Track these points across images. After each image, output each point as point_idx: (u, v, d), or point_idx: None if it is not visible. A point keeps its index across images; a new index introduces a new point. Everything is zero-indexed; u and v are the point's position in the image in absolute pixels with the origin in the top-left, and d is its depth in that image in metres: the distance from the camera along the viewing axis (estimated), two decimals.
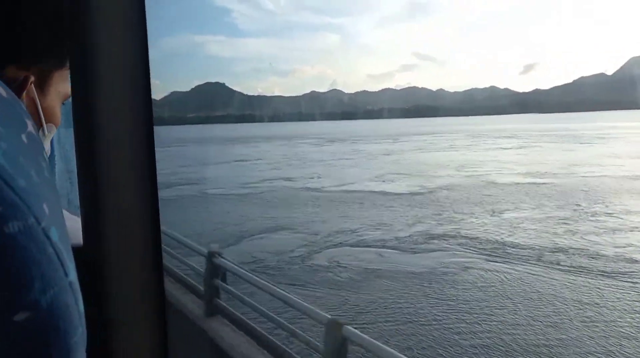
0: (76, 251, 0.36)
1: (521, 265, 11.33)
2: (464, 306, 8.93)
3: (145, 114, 0.53)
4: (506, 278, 10.36)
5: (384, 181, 26.55)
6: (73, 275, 0.31)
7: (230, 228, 16.51)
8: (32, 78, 0.60)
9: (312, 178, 29.39)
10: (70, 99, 0.57)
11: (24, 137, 0.31)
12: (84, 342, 0.32)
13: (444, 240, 14.29)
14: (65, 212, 0.67)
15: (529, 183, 23.80)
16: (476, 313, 8.50)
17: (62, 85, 0.66)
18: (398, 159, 38.64)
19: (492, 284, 10.00)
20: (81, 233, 0.54)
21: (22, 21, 0.59)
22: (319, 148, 57.18)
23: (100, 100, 0.51)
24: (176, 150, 60.58)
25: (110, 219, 0.52)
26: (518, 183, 23.89)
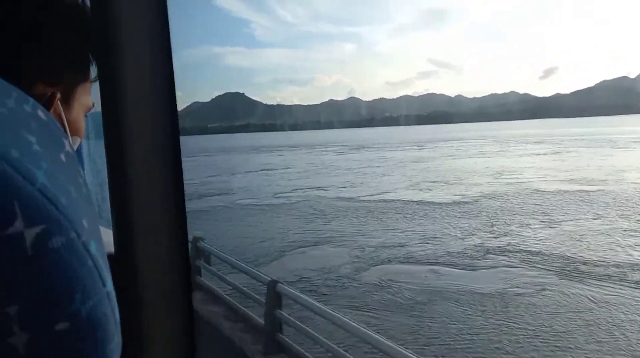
0: (109, 259, 0.37)
1: (604, 285, 10.12)
2: (565, 337, 7.71)
3: (171, 125, 0.55)
4: (593, 302, 9.17)
5: (420, 190, 25.43)
6: (110, 285, 0.32)
7: (268, 241, 15.64)
8: (59, 94, 0.60)
9: (345, 186, 28.43)
10: (92, 111, 0.61)
11: (62, 156, 0.33)
12: (119, 349, 0.33)
13: (503, 255, 13.14)
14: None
15: (578, 191, 22.41)
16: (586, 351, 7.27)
17: (85, 98, 0.67)
18: (429, 167, 37.42)
19: (581, 310, 8.82)
20: (112, 244, 0.56)
21: (48, 37, 0.59)
22: (344, 156, 56.25)
23: (128, 112, 0.52)
24: (202, 160, 60.37)
25: (141, 230, 0.53)
26: (566, 191, 22.51)
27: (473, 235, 15.37)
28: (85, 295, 0.29)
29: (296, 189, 28.05)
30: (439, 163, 40.29)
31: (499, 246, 13.89)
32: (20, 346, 0.27)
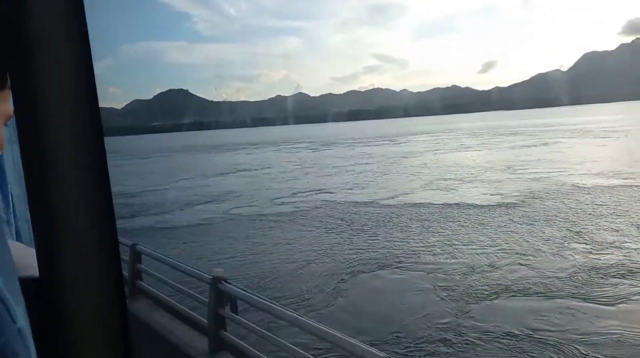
0: (34, 282, 0.35)
1: None
2: None
3: (94, 126, 0.52)
4: None
5: (441, 190, 22.42)
6: (22, 321, 0.29)
7: (311, 267, 11.95)
8: None
9: (351, 188, 24.98)
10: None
11: None
12: None
13: (627, 278, 10.20)
14: (20, 245, 0.69)
15: (621, 186, 20.12)
16: None
17: (2, 105, 0.63)
18: (426, 163, 34.65)
19: None
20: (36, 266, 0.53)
21: None
22: (319, 153, 52.69)
23: (44, 117, 0.50)
24: (160, 161, 54.90)
25: (66, 246, 0.50)
26: (610, 186, 20.17)
27: (565, 249, 12.38)
28: None
29: (296, 194, 24.30)
30: (431, 158, 37.64)
31: (614, 266, 10.95)
32: None
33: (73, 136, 0.50)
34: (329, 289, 10.50)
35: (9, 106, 0.60)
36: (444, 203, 18.92)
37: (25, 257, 0.53)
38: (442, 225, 15.37)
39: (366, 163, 37.04)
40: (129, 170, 44.81)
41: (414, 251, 12.87)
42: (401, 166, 33.45)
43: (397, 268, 11.67)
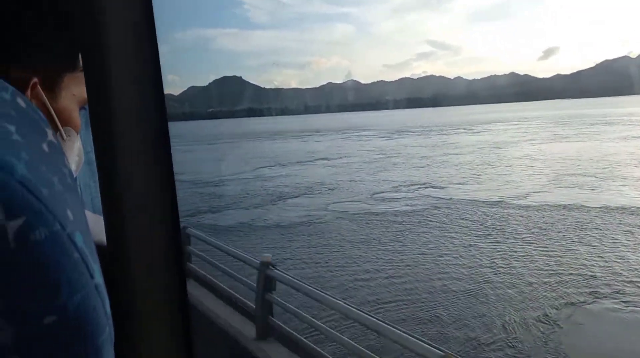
0: (100, 250, 0.39)
1: None
2: None
3: (159, 111, 0.54)
4: None
5: (582, 188, 18.75)
6: (99, 277, 0.32)
7: (495, 289, 8.98)
8: (35, 79, 0.58)
9: (460, 183, 21.69)
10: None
11: (44, 146, 0.32)
12: (111, 340, 0.33)
13: None
14: (89, 213, 0.73)
15: None
16: None
17: (76, 89, 0.65)
18: (528, 154, 30.64)
19: None
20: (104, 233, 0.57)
21: (26, 19, 0.57)
22: (394, 141, 49.25)
23: (114, 100, 0.52)
24: (227, 147, 53.32)
25: (131, 218, 0.53)
26: None
27: None
28: (72, 288, 0.29)
29: (398, 188, 21.31)
30: (531, 149, 33.48)
31: None
32: (8, 340, 0.26)
33: (139, 120, 0.52)
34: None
35: (83, 89, 0.59)
36: (603, 205, 15.35)
37: (95, 223, 0.55)
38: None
39: (456, 154, 33.43)
40: (199, 157, 43.34)
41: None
42: (501, 158, 29.66)
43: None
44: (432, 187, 21.05)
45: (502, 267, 10.31)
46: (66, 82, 0.63)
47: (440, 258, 10.97)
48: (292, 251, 12.43)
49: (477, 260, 10.77)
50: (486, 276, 9.72)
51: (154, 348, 0.55)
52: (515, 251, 11.28)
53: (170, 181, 0.55)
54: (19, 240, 0.26)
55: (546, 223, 13.80)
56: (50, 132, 0.34)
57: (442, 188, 20.82)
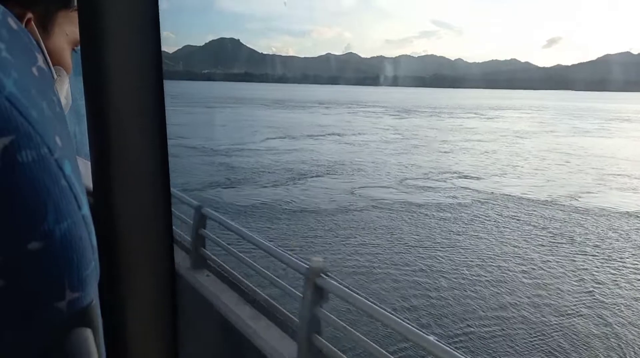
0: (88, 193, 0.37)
1: None
2: None
3: (155, 65, 0.52)
4: None
5: (633, 191, 17.04)
6: (86, 209, 0.31)
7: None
8: (30, 15, 0.58)
9: (498, 175, 19.87)
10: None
11: (34, 70, 0.31)
12: (96, 275, 0.32)
13: None
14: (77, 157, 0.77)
15: None
16: None
17: (69, 28, 0.64)
18: (554, 148, 28.82)
19: None
20: (91, 178, 0.54)
21: None
22: (406, 121, 47.09)
23: (108, 47, 0.49)
24: (228, 112, 50.75)
25: (119, 167, 0.52)
26: None
27: None
28: (59, 215, 0.28)
29: (428, 175, 19.46)
30: (555, 142, 31.60)
31: None
32: None
33: (134, 67, 0.50)
34: None
35: (76, 31, 0.58)
36: None
37: (82, 167, 0.53)
38: None
39: (478, 141, 31.50)
40: (200, 119, 40.95)
41: None
42: (529, 150, 27.83)
43: None
44: (465, 177, 19.20)
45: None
46: (60, 21, 0.62)
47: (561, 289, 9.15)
48: (345, 253, 10.53)
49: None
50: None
51: (141, 304, 0.54)
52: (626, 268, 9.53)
53: (162, 131, 0.52)
54: (5, 159, 0.25)
55: (611, 230, 12.05)
56: (40, 58, 0.32)
57: (478, 178, 18.99)
